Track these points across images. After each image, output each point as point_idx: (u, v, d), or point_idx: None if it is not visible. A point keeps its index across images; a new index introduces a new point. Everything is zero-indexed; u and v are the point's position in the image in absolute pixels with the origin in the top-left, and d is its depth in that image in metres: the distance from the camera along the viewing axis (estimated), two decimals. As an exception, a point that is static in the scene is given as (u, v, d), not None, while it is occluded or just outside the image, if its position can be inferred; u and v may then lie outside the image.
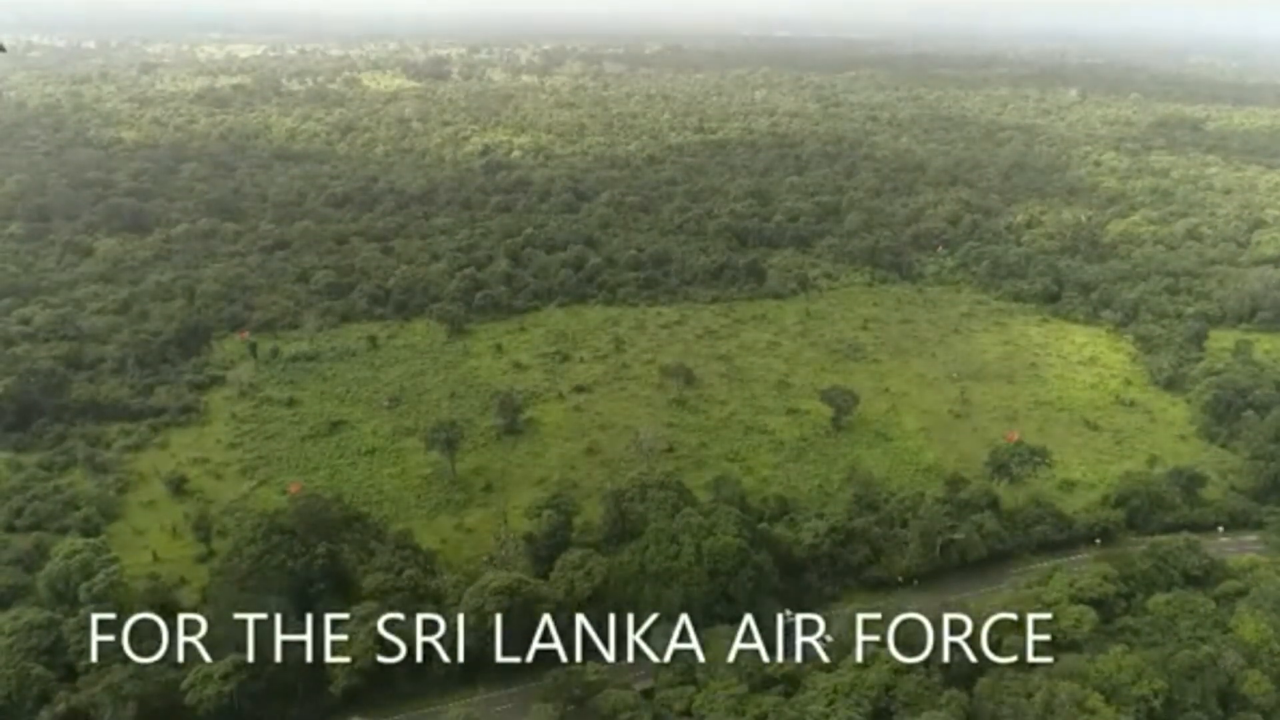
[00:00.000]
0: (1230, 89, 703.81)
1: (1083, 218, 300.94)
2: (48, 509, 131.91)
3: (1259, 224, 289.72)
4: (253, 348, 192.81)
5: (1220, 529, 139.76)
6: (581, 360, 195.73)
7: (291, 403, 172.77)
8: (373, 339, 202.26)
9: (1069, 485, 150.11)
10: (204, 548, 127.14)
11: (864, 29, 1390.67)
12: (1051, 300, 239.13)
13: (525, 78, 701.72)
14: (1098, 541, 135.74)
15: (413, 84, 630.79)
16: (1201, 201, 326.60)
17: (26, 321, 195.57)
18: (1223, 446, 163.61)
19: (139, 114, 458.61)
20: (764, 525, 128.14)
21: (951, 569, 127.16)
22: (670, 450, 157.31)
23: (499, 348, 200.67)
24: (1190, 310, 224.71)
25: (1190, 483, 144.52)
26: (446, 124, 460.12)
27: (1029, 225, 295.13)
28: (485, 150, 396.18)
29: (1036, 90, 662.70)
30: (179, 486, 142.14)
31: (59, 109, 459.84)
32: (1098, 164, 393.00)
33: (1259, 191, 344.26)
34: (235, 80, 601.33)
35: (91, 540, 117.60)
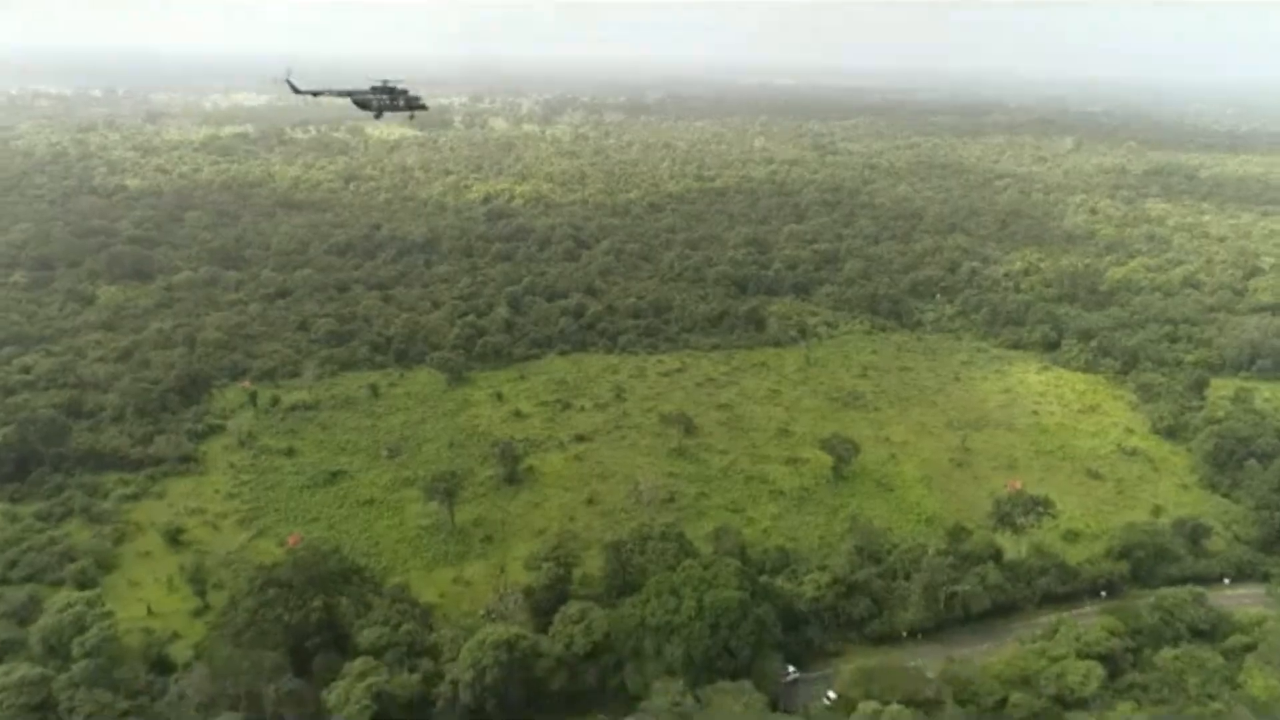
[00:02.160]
0: (1223, 136, 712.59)
1: (1080, 265, 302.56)
2: (43, 560, 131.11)
3: (1255, 271, 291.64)
4: (253, 396, 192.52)
5: (1226, 580, 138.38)
6: (582, 409, 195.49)
7: (290, 452, 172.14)
8: (373, 387, 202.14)
9: (1073, 535, 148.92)
10: (199, 601, 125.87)
11: (866, 76, 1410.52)
12: (1051, 348, 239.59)
13: (527, 127, 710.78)
14: (1103, 594, 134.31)
15: (415, 133, 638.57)
16: (1198, 249, 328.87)
17: (27, 370, 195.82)
18: (1225, 496, 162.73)
19: (144, 162, 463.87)
20: (765, 577, 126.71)
21: (955, 622, 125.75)
22: (670, 500, 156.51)
23: (499, 396, 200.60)
24: (1190, 358, 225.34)
25: (1194, 533, 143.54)
26: (448, 172, 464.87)
27: (1027, 272, 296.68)
28: (487, 198, 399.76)
29: (1033, 138, 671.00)
30: (175, 537, 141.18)
31: (65, 157, 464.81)
32: (1094, 211, 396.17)
33: (1253, 238, 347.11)
34: (240, 129, 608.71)
35: (86, 593, 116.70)
